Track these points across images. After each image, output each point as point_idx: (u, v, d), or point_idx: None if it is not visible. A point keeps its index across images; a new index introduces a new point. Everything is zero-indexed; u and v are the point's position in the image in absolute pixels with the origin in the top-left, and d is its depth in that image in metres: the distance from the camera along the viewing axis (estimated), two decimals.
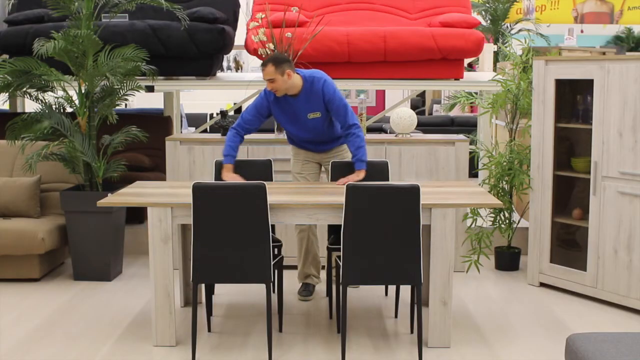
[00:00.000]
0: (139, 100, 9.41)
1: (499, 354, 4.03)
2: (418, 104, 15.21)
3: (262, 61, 4.69)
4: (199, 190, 3.84)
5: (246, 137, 5.59)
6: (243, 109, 12.81)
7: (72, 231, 5.36)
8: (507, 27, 12.23)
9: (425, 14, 6.76)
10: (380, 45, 6.09)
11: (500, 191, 5.60)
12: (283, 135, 5.57)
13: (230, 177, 4.57)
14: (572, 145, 5.25)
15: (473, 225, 5.51)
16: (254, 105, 4.73)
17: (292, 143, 4.94)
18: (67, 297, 5.02)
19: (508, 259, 5.67)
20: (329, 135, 4.80)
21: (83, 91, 5.39)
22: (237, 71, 14.13)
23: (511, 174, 5.47)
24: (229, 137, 4.76)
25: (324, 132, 4.76)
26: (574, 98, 5.17)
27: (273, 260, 3.95)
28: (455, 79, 6.36)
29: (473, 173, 7.00)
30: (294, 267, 5.42)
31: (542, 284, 5.24)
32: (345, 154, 4.90)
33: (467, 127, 9.84)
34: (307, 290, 4.96)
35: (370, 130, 9.05)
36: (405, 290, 4.93)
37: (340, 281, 3.91)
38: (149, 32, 6.07)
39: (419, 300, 3.89)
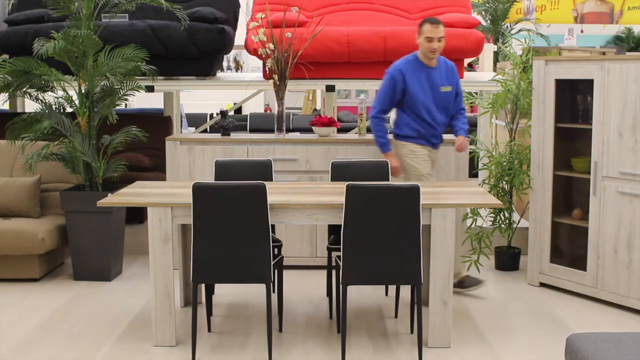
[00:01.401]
0: (139, 100, 9.42)
1: (499, 354, 4.03)
2: None
3: (427, 20, 4.87)
4: (199, 190, 3.84)
5: (246, 136, 5.64)
6: (243, 109, 12.85)
7: (72, 231, 5.36)
8: (507, 27, 12.23)
9: (425, 14, 6.75)
10: (380, 45, 6.09)
11: (500, 191, 5.60)
12: (283, 136, 5.58)
13: (397, 162, 4.92)
14: (572, 145, 5.25)
15: (473, 225, 5.51)
16: (385, 94, 4.91)
17: (414, 137, 4.97)
18: (67, 297, 5.02)
19: (508, 259, 5.67)
20: (446, 120, 5.03)
21: (83, 91, 5.39)
22: (237, 71, 14.14)
23: (511, 174, 5.47)
24: (377, 124, 4.96)
25: (448, 111, 5.00)
26: (574, 98, 5.17)
27: (273, 260, 3.95)
28: None
29: (473, 173, 7.00)
30: (294, 267, 5.43)
31: (542, 284, 5.24)
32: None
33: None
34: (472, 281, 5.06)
35: (370, 130, 9.04)
36: (405, 290, 4.92)
37: (340, 281, 3.91)
38: (149, 32, 6.07)
39: (419, 300, 3.89)
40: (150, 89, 6.21)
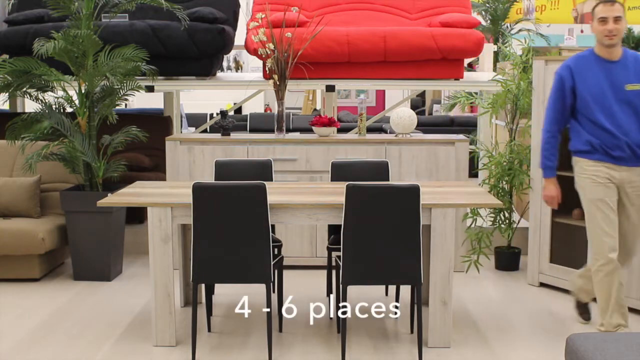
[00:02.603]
0: (139, 100, 9.41)
1: (499, 354, 4.03)
2: (418, 104, 15.22)
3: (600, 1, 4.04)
4: (199, 190, 3.84)
5: (246, 136, 5.63)
6: (243, 109, 12.84)
7: (72, 231, 5.36)
8: (507, 27, 12.21)
9: (425, 14, 6.76)
10: (380, 45, 6.09)
11: (500, 191, 5.60)
12: (283, 135, 5.58)
13: (556, 192, 4.27)
14: None
15: (473, 225, 5.51)
16: (554, 97, 4.15)
17: (586, 152, 4.13)
18: (67, 297, 5.02)
19: (508, 259, 5.67)
20: None
21: (83, 91, 5.39)
22: (237, 71, 14.14)
23: (511, 174, 5.47)
24: (545, 142, 4.24)
25: None
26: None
27: (273, 260, 3.95)
28: (455, 79, 6.36)
29: (473, 173, 6.99)
30: (294, 267, 5.42)
31: (542, 284, 5.24)
32: None
33: (467, 127, 9.84)
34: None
35: (370, 130, 9.05)
36: (405, 290, 4.92)
37: (340, 281, 3.91)
38: (149, 32, 6.07)
39: (419, 300, 3.90)
40: (150, 89, 6.21)
